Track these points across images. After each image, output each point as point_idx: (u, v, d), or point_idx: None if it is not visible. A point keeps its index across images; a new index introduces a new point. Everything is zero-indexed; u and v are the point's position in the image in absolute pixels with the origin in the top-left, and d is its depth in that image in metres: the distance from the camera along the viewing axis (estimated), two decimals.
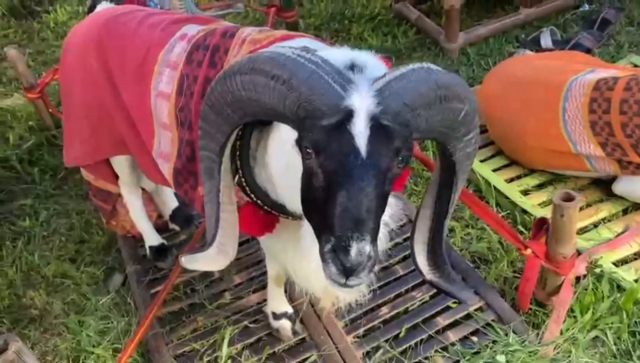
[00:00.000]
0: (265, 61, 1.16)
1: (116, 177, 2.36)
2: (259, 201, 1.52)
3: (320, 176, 1.14)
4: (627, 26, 3.77)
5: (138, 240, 2.70)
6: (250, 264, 2.55)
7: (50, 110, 3.57)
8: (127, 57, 1.84)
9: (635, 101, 2.31)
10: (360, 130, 1.08)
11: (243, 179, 1.49)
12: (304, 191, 1.23)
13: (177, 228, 2.76)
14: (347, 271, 1.10)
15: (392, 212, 1.60)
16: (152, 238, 2.58)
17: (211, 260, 1.50)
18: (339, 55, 1.27)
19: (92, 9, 2.68)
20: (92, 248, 2.82)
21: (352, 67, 1.20)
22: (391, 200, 1.60)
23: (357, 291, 1.73)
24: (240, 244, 2.64)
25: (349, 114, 1.08)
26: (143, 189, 2.58)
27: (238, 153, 1.45)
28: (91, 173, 2.35)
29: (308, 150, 1.14)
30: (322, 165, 1.13)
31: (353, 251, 1.07)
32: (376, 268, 1.62)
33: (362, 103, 1.08)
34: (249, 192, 1.51)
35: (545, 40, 3.68)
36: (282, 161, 1.39)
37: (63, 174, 3.33)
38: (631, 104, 2.31)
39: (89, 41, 1.93)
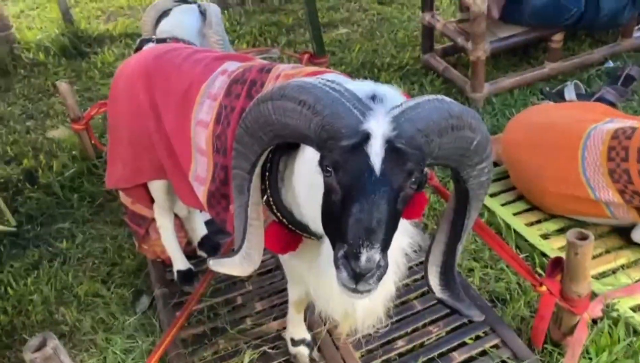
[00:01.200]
0: (294, 88, 1.30)
1: (151, 201, 2.50)
2: (284, 221, 1.63)
3: (338, 191, 1.25)
4: None
5: (167, 264, 2.82)
6: (272, 292, 2.64)
7: (92, 141, 3.80)
8: (172, 89, 2.02)
9: None
10: (375, 151, 1.19)
11: (271, 199, 1.60)
12: (323, 206, 1.34)
13: (204, 254, 2.87)
14: (357, 277, 1.18)
15: (412, 241, 1.69)
16: (180, 262, 2.70)
17: (236, 266, 1.62)
18: (361, 86, 1.40)
19: (139, 49, 2.92)
20: (123, 271, 2.95)
21: (373, 97, 1.32)
22: (411, 229, 1.70)
23: (374, 317, 1.80)
24: (264, 273, 2.76)
25: (366, 137, 1.19)
26: (175, 215, 2.72)
27: (267, 174, 1.57)
28: (129, 196, 2.51)
29: (328, 168, 1.26)
30: (340, 181, 1.24)
31: (363, 257, 1.16)
32: (392, 303, 1.73)
33: (378, 127, 1.19)
34: (275, 211, 1.62)
35: (570, 94, 3.79)
36: (306, 181, 1.50)
37: (100, 201, 3.52)
38: None
39: (138, 74, 2.12)
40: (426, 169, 1.31)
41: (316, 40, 4.17)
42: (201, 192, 1.94)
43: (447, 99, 1.27)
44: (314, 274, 1.73)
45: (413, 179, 1.24)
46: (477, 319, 1.64)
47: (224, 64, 1.98)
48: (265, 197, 1.61)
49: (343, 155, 1.21)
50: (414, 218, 1.63)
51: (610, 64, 4.07)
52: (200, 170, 1.93)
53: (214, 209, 1.91)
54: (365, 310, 1.75)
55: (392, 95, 1.37)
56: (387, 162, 1.19)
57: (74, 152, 3.90)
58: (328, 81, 1.30)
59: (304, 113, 1.26)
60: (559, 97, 3.80)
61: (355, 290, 1.21)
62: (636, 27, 4.19)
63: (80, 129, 3.71)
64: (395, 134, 1.18)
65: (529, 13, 3.81)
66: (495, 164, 3.22)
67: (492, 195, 3.01)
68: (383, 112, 1.23)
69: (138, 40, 3.11)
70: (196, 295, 2.36)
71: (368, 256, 1.16)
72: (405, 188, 1.24)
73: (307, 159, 1.47)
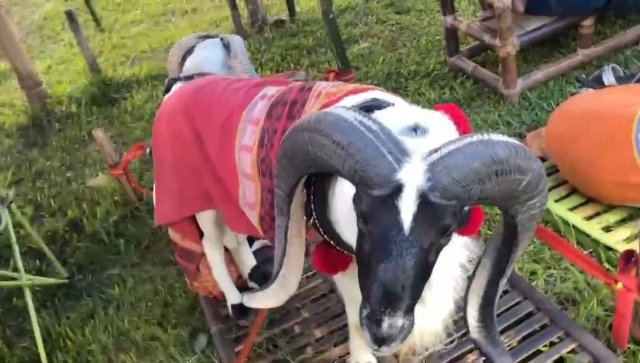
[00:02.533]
0: (329, 125, 1.22)
1: (200, 236, 2.49)
2: (331, 242, 1.58)
3: (368, 242, 1.19)
4: None
5: (220, 300, 2.79)
6: (329, 317, 2.58)
7: (132, 185, 3.83)
8: (213, 119, 2.01)
9: None
10: (407, 205, 1.11)
11: (317, 222, 1.55)
12: (357, 246, 1.28)
13: (255, 285, 2.83)
14: (379, 342, 1.15)
15: (470, 254, 1.61)
16: (233, 296, 2.67)
17: (271, 295, 1.57)
18: (403, 116, 1.33)
19: (168, 89, 2.95)
20: (177, 311, 2.93)
21: (416, 129, 1.26)
22: (469, 242, 1.62)
23: (433, 336, 1.72)
24: (318, 298, 2.71)
25: (398, 188, 1.11)
26: (225, 249, 2.69)
27: (312, 196, 1.53)
28: (178, 232, 2.49)
29: (359, 215, 1.20)
30: (370, 232, 1.18)
31: (385, 325, 1.13)
32: (451, 320, 1.63)
33: (412, 178, 1.11)
34: (322, 232, 1.57)
35: (608, 78, 3.64)
36: (345, 208, 1.44)
37: (146, 243, 3.53)
38: None
39: (179, 109, 2.13)
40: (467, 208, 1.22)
41: (340, 57, 4.15)
42: (253, 217, 1.92)
43: (495, 138, 1.12)
44: None
45: (448, 232, 1.16)
46: None
47: (263, 90, 1.97)
48: (312, 219, 1.56)
49: (373, 205, 1.15)
50: (470, 234, 1.55)
51: None
52: (249, 195, 1.91)
53: (267, 233, 1.89)
54: (423, 328, 1.67)
55: (437, 125, 1.30)
56: (418, 218, 1.11)
57: (115, 197, 3.94)
58: (365, 118, 1.21)
59: (338, 153, 1.19)
60: (597, 83, 3.66)
61: (378, 351, 1.19)
62: None
63: (119, 174, 3.75)
64: (429, 186, 1.09)
65: (555, 2, 3.70)
66: (542, 159, 3.11)
67: None
68: (420, 157, 1.13)
69: (166, 81, 3.14)
70: (256, 328, 2.33)
71: (390, 322, 1.13)
72: (437, 243, 1.16)
73: (344, 187, 1.42)
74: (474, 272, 1.42)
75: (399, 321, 1.13)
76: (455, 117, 1.46)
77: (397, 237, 1.12)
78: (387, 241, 1.14)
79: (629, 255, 1.92)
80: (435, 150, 1.13)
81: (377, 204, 1.14)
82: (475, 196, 1.12)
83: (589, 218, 2.68)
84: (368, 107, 1.47)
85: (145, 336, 2.83)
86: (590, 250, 2.52)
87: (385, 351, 1.18)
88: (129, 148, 4.33)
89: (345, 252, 1.61)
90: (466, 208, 1.21)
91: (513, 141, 1.14)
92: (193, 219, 2.43)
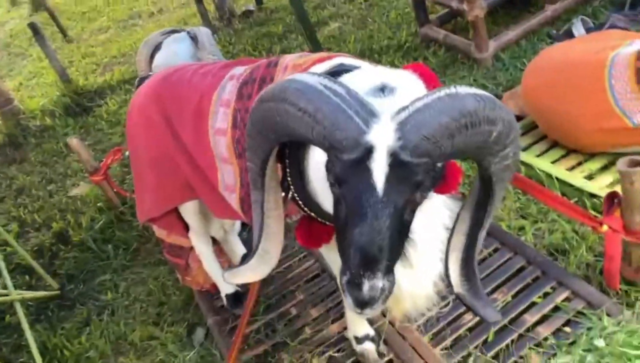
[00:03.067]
0: (294, 92, 1.19)
1: (186, 229, 2.46)
2: (312, 214, 1.56)
3: (343, 207, 1.18)
4: None
5: (213, 293, 2.77)
6: (324, 296, 2.57)
7: (114, 189, 3.79)
8: (184, 105, 1.98)
9: None
10: (378, 166, 1.10)
11: (295, 194, 1.53)
12: (334, 212, 1.26)
13: None
14: (362, 305, 1.15)
15: (452, 214, 1.59)
16: (226, 286, 2.65)
17: (253, 270, 1.54)
18: (370, 77, 1.31)
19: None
20: (172, 308, 2.91)
21: (383, 89, 1.24)
22: (450, 202, 1.60)
23: (426, 298, 1.71)
24: (311, 279, 2.70)
25: (369, 150, 1.09)
26: (213, 240, 2.67)
27: (287, 169, 1.50)
28: (163, 227, 2.45)
29: (332, 180, 1.19)
30: (344, 196, 1.17)
31: (365, 288, 1.12)
32: (443, 282, 1.63)
33: (382, 139, 1.09)
34: (302, 206, 1.55)
35: (579, 30, 3.64)
36: (320, 176, 1.42)
37: (135, 246, 3.50)
38: None
39: (149, 99, 2.09)
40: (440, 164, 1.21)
41: (310, 39, 4.13)
42: (233, 200, 1.89)
43: (462, 91, 1.10)
44: None
45: (422, 188, 1.14)
46: (492, 320, 1.52)
47: (231, 70, 1.93)
48: (290, 193, 1.54)
49: (345, 169, 1.13)
50: (449, 192, 1.52)
51: None
52: (228, 178, 1.88)
53: (248, 214, 1.85)
54: (414, 292, 1.67)
55: (405, 84, 1.28)
56: (391, 178, 1.10)
57: (99, 204, 3.90)
58: (330, 82, 1.18)
59: (306, 120, 1.16)
60: (568, 36, 3.66)
61: (361, 314, 1.19)
62: None
63: (100, 180, 3.70)
64: (400, 145, 1.08)
65: None
66: (520, 118, 3.11)
67: (525, 149, 2.89)
68: (388, 117, 1.11)
69: (137, 80, 3.10)
70: (246, 315, 2.30)
71: (370, 285, 1.12)
72: (413, 200, 1.16)
73: (316, 156, 1.40)
74: (453, 228, 1.41)
75: (379, 282, 1.13)
76: (423, 75, 1.44)
77: (371, 199, 1.11)
78: (361, 204, 1.12)
79: (612, 196, 1.93)
80: (404, 108, 1.11)
81: (349, 168, 1.12)
82: (447, 151, 1.10)
83: (572, 168, 2.68)
84: (335, 73, 1.45)
85: (143, 337, 2.80)
86: (575, 199, 2.53)
87: (369, 313, 1.17)
88: (108, 154, 4.30)
89: (327, 223, 1.59)
90: (439, 165, 1.20)
91: (481, 92, 1.12)
92: (177, 213, 2.39)
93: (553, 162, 2.75)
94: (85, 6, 9.43)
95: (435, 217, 1.55)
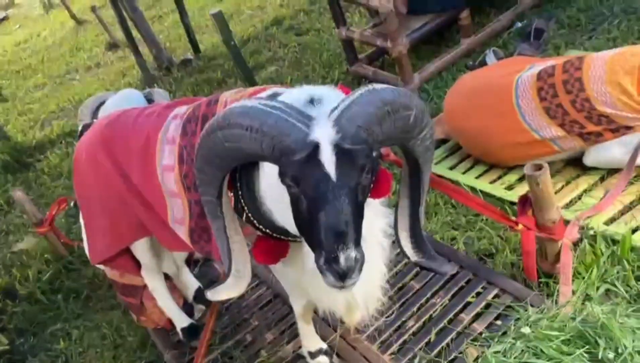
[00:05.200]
0: (238, 115, 1.38)
1: (139, 267, 2.53)
2: (268, 231, 1.71)
3: (304, 202, 1.35)
4: (559, 30, 4.14)
5: (169, 329, 2.82)
6: (278, 319, 2.68)
7: (61, 240, 3.79)
8: (131, 146, 2.09)
9: (575, 79, 2.58)
10: (327, 158, 1.29)
11: (250, 215, 1.68)
12: (294, 214, 1.42)
13: (202, 307, 2.89)
14: (342, 276, 1.30)
15: (388, 220, 1.79)
16: (181, 320, 2.71)
17: (231, 287, 1.70)
18: (298, 94, 1.51)
19: (81, 135, 2.97)
20: (128, 349, 2.94)
21: (312, 100, 1.43)
22: (384, 209, 1.80)
23: (376, 302, 1.90)
24: (264, 305, 2.81)
25: (315, 146, 1.29)
26: (165, 276, 2.74)
27: (240, 192, 1.66)
28: (116, 268, 2.51)
29: (289, 182, 1.36)
30: (303, 192, 1.34)
31: (342, 259, 1.28)
32: (387, 284, 1.84)
33: (324, 134, 1.29)
34: (257, 225, 1.70)
35: (491, 60, 4.02)
36: (273, 193, 1.58)
37: (86, 293, 3.51)
38: (572, 83, 2.58)
39: (96, 144, 2.19)
40: (375, 153, 1.41)
41: (250, 83, 4.33)
42: (182, 232, 2.00)
43: (379, 86, 1.37)
44: (308, 275, 1.80)
45: (366, 170, 1.34)
46: (450, 271, 1.77)
47: (174, 110, 2.08)
48: (244, 215, 1.69)
49: (299, 168, 1.31)
50: (383, 196, 1.73)
51: (518, 24, 4.35)
52: (177, 212, 2.00)
53: (197, 244, 1.97)
54: (365, 295, 1.84)
55: (329, 95, 1.48)
56: (340, 165, 1.29)
57: (46, 256, 3.88)
58: (267, 100, 1.39)
59: (253, 137, 1.34)
60: (483, 66, 4.03)
61: (343, 287, 1.32)
62: None
63: (46, 231, 3.71)
64: (340, 137, 1.28)
65: (431, 0, 4.07)
66: (445, 141, 3.40)
67: (451, 167, 3.16)
68: (324, 117, 1.32)
69: (80, 127, 3.17)
70: (203, 343, 2.39)
71: (345, 256, 1.28)
72: (361, 181, 1.34)
73: (267, 172, 1.57)
74: (396, 213, 1.65)
75: (352, 253, 1.28)
76: (342, 89, 1.66)
77: (328, 185, 1.29)
78: (321, 191, 1.30)
79: (524, 198, 2.18)
80: (335, 108, 1.33)
81: (302, 165, 1.30)
82: (379, 137, 1.33)
83: (493, 181, 2.96)
84: (271, 98, 1.63)
85: None
86: (498, 208, 2.78)
87: (349, 284, 1.31)
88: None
89: (283, 238, 1.75)
90: (375, 153, 1.38)
91: (394, 87, 1.39)
92: (129, 252, 2.46)
93: (477, 177, 3.02)
94: (19, 65, 9.36)
95: (375, 225, 1.75)
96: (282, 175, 1.37)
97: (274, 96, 1.61)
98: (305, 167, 1.30)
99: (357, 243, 1.32)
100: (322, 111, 1.36)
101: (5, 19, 13.49)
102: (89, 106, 3.56)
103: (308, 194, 1.33)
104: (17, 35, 11.54)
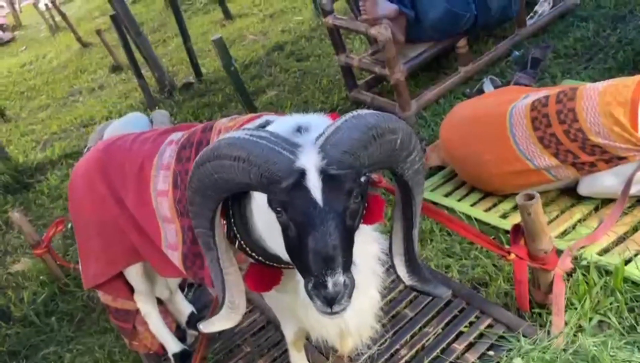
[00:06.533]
0: (225, 146, 1.40)
1: (132, 292, 2.52)
2: (261, 259, 1.72)
3: (293, 228, 1.36)
4: (556, 59, 4.19)
5: (160, 354, 2.81)
6: (270, 346, 2.66)
7: (58, 262, 3.79)
8: (127, 172, 2.12)
9: (568, 110, 2.60)
10: (314, 184, 1.31)
11: (242, 243, 1.69)
12: (285, 240, 1.44)
13: (195, 332, 2.88)
14: (330, 302, 1.30)
15: (381, 246, 1.80)
16: (173, 346, 2.70)
17: (225, 319, 1.68)
18: (286, 122, 1.54)
19: None
20: None
21: (299, 129, 1.46)
22: (377, 235, 1.81)
23: (369, 329, 1.88)
24: (257, 332, 2.79)
25: (302, 173, 1.31)
26: (159, 302, 2.73)
27: (232, 220, 1.67)
28: (109, 293, 2.51)
29: (278, 209, 1.37)
30: (291, 219, 1.35)
31: (330, 284, 1.28)
32: (380, 311, 1.84)
33: (310, 161, 1.31)
34: (250, 253, 1.71)
35: (488, 88, 4.06)
36: (263, 220, 1.60)
37: (80, 317, 3.50)
38: (566, 113, 2.60)
39: (92, 168, 2.22)
40: (364, 178, 1.42)
41: (249, 107, 4.37)
42: (175, 257, 2.01)
43: (363, 112, 1.39)
44: (300, 303, 1.80)
45: (354, 195, 1.36)
46: (445, 295, 1.76)
47: (169, 136, 2.11)
48: (237, 243, 1.69)
49: (287, 195, 1.32)
50: (376, 222, 1.74)
51: (516, 53, 4.41)
52: (170, 237, 2.01)
53: (190, 270, 1.97)
54: (358, 323, 1.83)
55: (316, 123, 1.50)
56: (327, 191, 1.31)
57: (42, 277, 3.88)
58: (255, 131, 1.42)
59: (241, 167, 1.36)
60: (480, 94, 4.07)
61: (332, 313, 1.32)
62: (528, 17, 4.59)
63: (43, 253, 3.71)
64: (325, 163, 1.30)
65: (429, 28, 4.13)
66: (442, 167, 3.41)
67: (447, 194, 3.17)
68: (311, 144, 1.34)
69: (85, 149, 3.21)
70: None
71: (334, 281, 1.28)
72: (350, 205, 1.36)
73: (258, 200, 1.58)
74: (390, 238, 1.65)
75: (340, 278, 1.28)
76: (331, 116, 1.68)
77: (315, 210, 1.31)
78: (309, 216, 1.31)
79: (517, 228, 2.18)
80: (321, 134, 1.35)
81: (289, 192, 1.32)
82: (365, 162, 1.34)
83: (488, 209, 2.96)
84: (262, 126, 1.66)
85: None
86: (493, 236, 2.78)
87: (338, 310, 1.31)
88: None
89: (275, 265, 1.75)
90: (363, 179, 1.39)
91: (379, 112, 1.40)
92: (122, 277, 2.47)
93: (472, 204, 3.03)
94: (23, 86, 9.47)
95: (368, 252, 1.75)
96: (270, 202, 1.38)
97: (264, 126, 1.64)
98: (293, 194, 1.31)
99: (347, 268, 1.32)
100: (308, 139, 1.38)
101: (12, 40, 13.70)
102: (98, 131, 3.63)
103: (296, 221, 1.34)
104: (22, 57, 11.71)
